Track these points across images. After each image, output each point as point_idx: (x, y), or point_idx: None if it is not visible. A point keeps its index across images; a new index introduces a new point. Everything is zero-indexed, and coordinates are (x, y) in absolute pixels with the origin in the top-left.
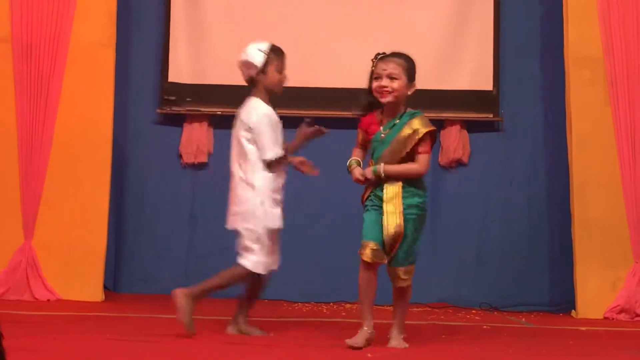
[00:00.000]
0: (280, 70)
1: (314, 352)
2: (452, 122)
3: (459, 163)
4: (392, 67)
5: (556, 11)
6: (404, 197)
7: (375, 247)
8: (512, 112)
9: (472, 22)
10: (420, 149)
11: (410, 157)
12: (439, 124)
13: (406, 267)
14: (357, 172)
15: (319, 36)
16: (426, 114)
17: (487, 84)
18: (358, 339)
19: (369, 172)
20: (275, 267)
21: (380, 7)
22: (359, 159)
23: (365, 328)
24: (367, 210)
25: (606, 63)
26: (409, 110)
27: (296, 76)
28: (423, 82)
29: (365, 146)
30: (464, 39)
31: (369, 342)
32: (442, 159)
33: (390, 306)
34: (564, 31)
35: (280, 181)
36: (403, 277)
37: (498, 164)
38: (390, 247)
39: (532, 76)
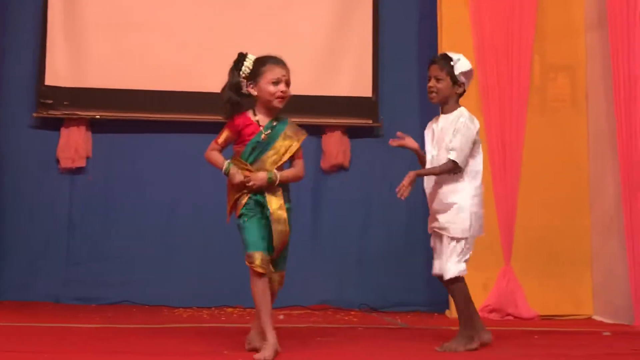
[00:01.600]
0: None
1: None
2: (333, 127)
3: (340, 168)
4: (288, 75)
5: (431, 22)
6: (285, 201)
7: (264, 257)
8: (391, 118)
9: (352, 30)
10: (297, 155)
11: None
12: (320, 130)
13: (284, 270)
14: (239, 177)
15: (201, 41)
16: (307, 120)
17: (366, 91)
18: (267, 353)
19: (260, 179)
20: None
21: (261, 13)
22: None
23: (271, 339)
24: (249, 218)
25: (478, 74)
26: (280, 114)
27: (178, 81)
28: (304, 88)
29: (224, 147)
30: (344, 47)
31: (276, 354)
32: (324, 164)
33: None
34: (438, 41)
35: None
36: (281, 280)
37: (378, 168)
38: (277, 254)
39: (410, 84)
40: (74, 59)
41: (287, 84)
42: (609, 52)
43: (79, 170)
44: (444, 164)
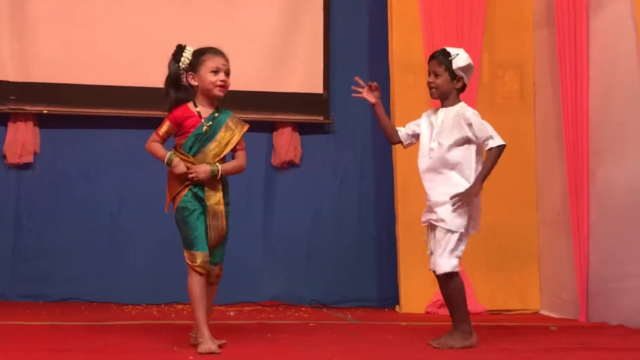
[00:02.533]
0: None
1: (138, 357)
2: (284, 124)
3: (290, 164)
4: (228, 63)
5: (382, 19)
6: (224, 196)
7: (205, 256)
8: (342, 114)
9: (303, 27)
10: (239, 146)
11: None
12: (271, 126)
13: (222, 262)
14: (182, 168)
15: (149, 36)
16: (258, 116)
17: (317, 88)
18: (210, 345)
19: (203, 171)
20: None
21: (211, 8)
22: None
23: (206, 334)
24: (189, 213)
25: (426, 69)
26: (221, 106)
27: (126, 76)
28: (255, 84)
29: (165, 139)
30: (295, 43)
31: (219, 347)
32: (275, 160)
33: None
34: (389, 39)
35: None
36: (220, 273)
37: (329, 164)
38: (211, 248)
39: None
40: (21, 53)
41: (227, 73)
42: (557, 50)
43: (26, 166)
44: (491, 154)
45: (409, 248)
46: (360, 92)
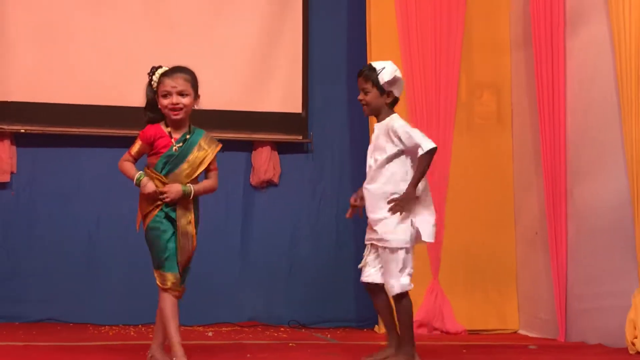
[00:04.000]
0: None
1: None
2: (263, 143)
3: (269, 183)
4: (181, 84)
5: (361, 38)
6: (194, 216)
7: (176, 278)
8: (320, 133)
9: (282, 46)
10: (212, 166)
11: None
12: (250, 145)
13: (185, 283)
14: (151, 187)
15: (126, 55)
16: (237, 135)
17: (296, 107)
18: None
19: (175, 192)
20: None
21: (189, 28)
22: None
23: (179, 352)
24: (160, 234)
25: (406, 89)
26: (192, 126)
27: (104, 95)
28: (234, 103)
29: (137, 158)
30: (273, 63)
31: None
32: (253, 179)
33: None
34: (367, 57)
35: None
36: (182, 294)
37: (307, 183)
38: (181, 268)
39: (339, 99)
40: None
41: (182, 94)
42: (534, 70)
43: (2, 185)
44: (421, 159)
45: None
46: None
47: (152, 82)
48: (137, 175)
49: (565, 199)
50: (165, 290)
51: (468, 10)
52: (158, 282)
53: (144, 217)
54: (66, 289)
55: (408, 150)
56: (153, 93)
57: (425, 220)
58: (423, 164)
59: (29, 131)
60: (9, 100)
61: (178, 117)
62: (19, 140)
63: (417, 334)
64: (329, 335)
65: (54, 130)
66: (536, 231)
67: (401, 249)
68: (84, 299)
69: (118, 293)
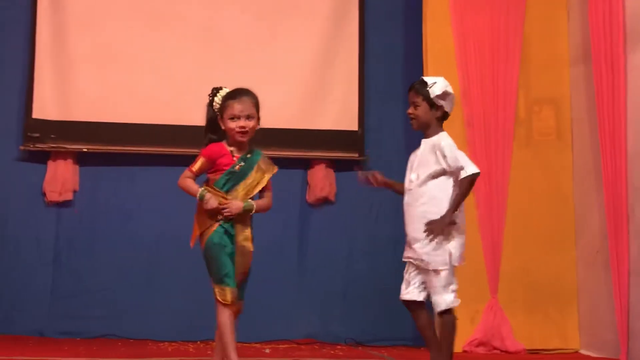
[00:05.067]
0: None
1: None
2: (319, 161)
3: (325, 201)
4: (248, 108)
5: (417, 55)
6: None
7: (235, 293)
8: (376, 151)
9: (338, 64)
10: (267, 187)
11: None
12: (306, 163)
13: (243, 299)
14: (214, 203)
15: (186, 74)
16: (293, 153)
17: (352, 125)
18: None
19: (236, 207)
20: None
21: (246, 47)
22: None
23: None
24: (221, 249)
25: (463, 106)
26: (251, 146)
27: (164, 114)
28: (291, 121)
29: (198, 175)
30: (329, 80)
31: None
32: (309, 197)
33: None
34: (424, 74)
35: None
36: (241, 309)
37: (363, 201)
38: (238, 284)
39: (396, 117)
40: (61, 92)
41: (249, 117)
42: (593, 85)
43: (65, 204)
44: (461, 183)
45: None
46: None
47: (214, 103)
48: (200, 191)
49: (626, 217)
50: (226, 305)
51: (526, 25)
52: (218, 297)
53: (203, 232)
54: (127, 305)
55: (451, 171)
56: (214, 113)
57: (458, 244)
58: (464, 188)
59: (91, 150)
60: (71, 120)
61: (244, 139)
62: (81, 159)
63: (475, 352)
64: (385, 354)
65: (114, 149)
66: (597, 249)
67: (447, 269)
68: (144, 315)
69: (177, 309)
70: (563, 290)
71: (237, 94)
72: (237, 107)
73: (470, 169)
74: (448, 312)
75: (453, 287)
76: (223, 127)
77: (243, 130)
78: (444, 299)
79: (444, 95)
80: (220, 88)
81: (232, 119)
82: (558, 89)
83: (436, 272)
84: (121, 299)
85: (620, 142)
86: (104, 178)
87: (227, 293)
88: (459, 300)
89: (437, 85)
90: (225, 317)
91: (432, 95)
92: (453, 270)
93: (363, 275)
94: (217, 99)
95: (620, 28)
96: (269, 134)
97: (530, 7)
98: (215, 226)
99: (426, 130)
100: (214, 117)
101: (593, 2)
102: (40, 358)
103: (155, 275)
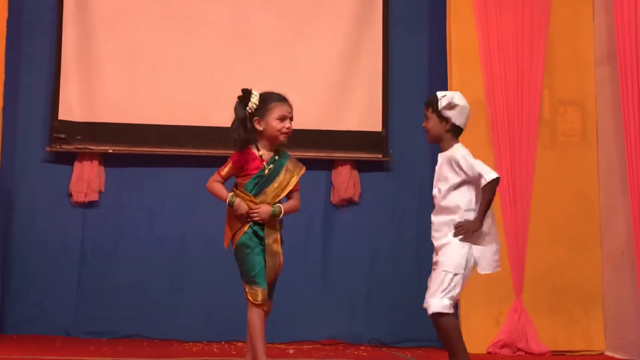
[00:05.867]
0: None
1: None
2: (343, 162)
3: (349, 202)
4: (292, 111)
5: (441, 57)
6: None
7: (265, 293)
8: (400, 152)
9: (362, 65)
10: (295, 187)
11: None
12: (330, 164)
13: (272, 300)
14: (244, 209)
15: (210, 76)
16: (317, 154)
17: (376, 125)
18: None
19: (265, 212)
20: None
21: (270, 48)
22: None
23: None
24: (251, 250)
25: (487, 106)
26: (280, 148)
27: (189, 116)
28: (314, 122)
29: (226, 179)
30: (353, 81)
31: None
32: (334, 198)
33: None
34: (448, 75)
35: None
36: (270, 309)
37: (387, 202)
38: (269, 285)
39: (419, 117)
40: (87, 94)
41: (291, 120)
42: (619, 86)
43: (91, 204)
44: (485, 190)
45: (469, 288)
46: None
47: (250, 104)
48: (229, 197)
49: None
50: (257, 305)
51: (551, 26)
52: (249, 297)
53: (234, 235)
54: (151, 305)
55: (470, 180)
56: (245, 113)
57: (486, 251)
58: (487, 195)
59: (117, 151)
60: (97, 121)
61: (285, 140)
62: (106, 160)
63: (500, 354)
64: (409, 355)
65: (140, 150)
66: (623, 251)
67: (451, 273)
68: (169, 315)
69: (202, 310)
70: (588, 292)
71: (282, 96)
72: (286, 108)
73: (488, 175)
74: (442, 316)
75: (452, 294)
76: (260, 128)
77: (289, 131)
78: (440, 302)
79: (450, 106)
80: (252, 90)
81: (281, 119)
82: (583, 90)
83: (446, 272)
84: (146, 299)
85: None
86: (129, 179)
87: (258, 293)
88: (452, 310)
89: (445, 97)
90: (255, 316)
91: (439, 108)
92: (464, 278)
93: (387, 276)
94: (254, 100)
95: None
96: (293, 135)
97: (555, 7)
98: (246, 227)
99: (440, 143)
100: (245, 117)
101: (618, 2)
102: (66, 357)
103: (179, 276)
